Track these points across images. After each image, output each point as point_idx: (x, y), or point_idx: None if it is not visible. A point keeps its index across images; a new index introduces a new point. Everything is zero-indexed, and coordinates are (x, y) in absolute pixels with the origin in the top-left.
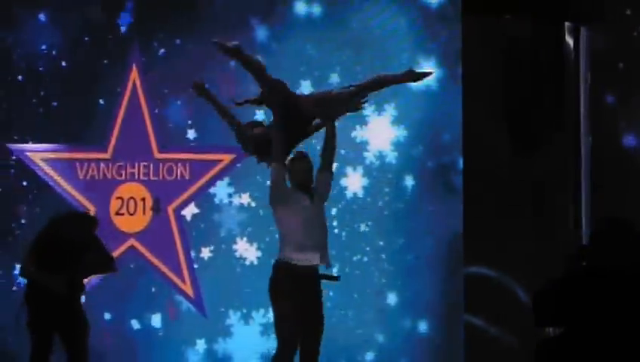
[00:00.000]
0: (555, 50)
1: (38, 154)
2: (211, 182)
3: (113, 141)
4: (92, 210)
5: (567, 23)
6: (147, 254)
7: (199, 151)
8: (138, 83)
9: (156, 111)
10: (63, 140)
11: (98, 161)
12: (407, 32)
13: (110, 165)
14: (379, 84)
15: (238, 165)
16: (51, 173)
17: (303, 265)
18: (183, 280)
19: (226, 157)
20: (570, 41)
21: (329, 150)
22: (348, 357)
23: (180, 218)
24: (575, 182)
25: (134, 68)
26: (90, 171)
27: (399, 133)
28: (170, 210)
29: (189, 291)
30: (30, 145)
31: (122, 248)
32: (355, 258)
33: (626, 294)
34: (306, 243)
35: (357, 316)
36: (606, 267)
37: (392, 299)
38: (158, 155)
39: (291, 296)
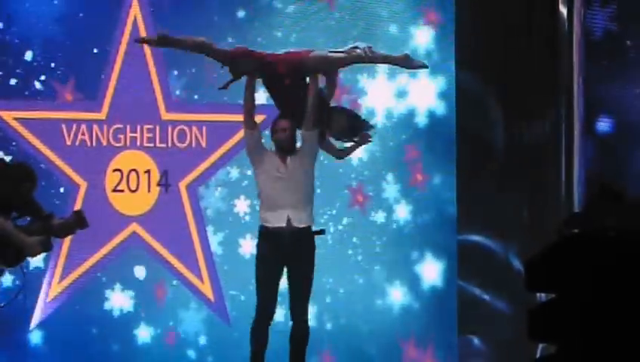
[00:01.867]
0: (548, 21)
1: (10, 112)
2: (233, 151)
3: (109, 97)
4: (83, 185)
5: None
6: (153, 243)
7: (218, 111)
8: (140, 20)
9: (163, 58)
10: (44, 95)
11: (90, 122)
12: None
13: (105, 128)
14: (371, 59)
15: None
16: (29, 137)
17: (274, 226)
18: (201, 279)
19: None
20: (563, 10)
21: (311, 106)
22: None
23: (195, 197)
24: (567, 153)
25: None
26: (80, 135)
27: (395, 102)
28: (182, 186)
29: (209, 293)
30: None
31: (121, 235)
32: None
33: (616, 260)
34: (276, 205)
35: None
36: (597, 233)
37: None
38: (166, 116)
39: (264, 259)
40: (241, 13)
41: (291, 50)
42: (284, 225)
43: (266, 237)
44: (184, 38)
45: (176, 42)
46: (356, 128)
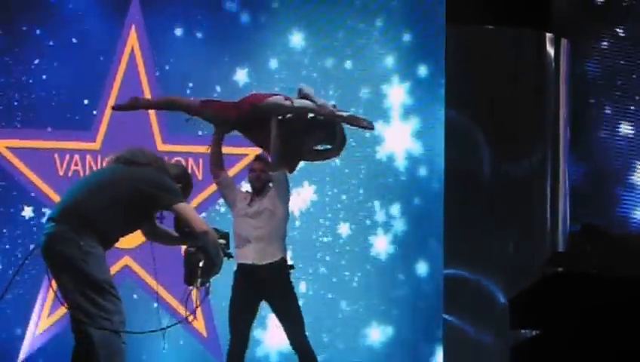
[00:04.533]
0: (536, 60)
1: (3, 141)
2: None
3: (103, 127)
4: None
5: (548, 34)
6: (145, 277)
7: None
8: (137, 49)
9: (160, 90)
10: (38, 124)
11: (84, 152)
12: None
13: (99, 158)
14: (321, 113)
15: None
16: (20, 166)
17: (243, 262)
18: (194, 314)
19: (252, 152)
20: (551, 51)
21: (274, 148)
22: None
23: None
24: (553, 189)
25: (133, 30)
26: (73, 165)
27: (384, 135)
28: None
29: (202, 328)
30: None
31: (113, 268)
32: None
33: (599, 298)
34: (241, 241)
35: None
36: (580, 272)
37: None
38: (162, 147)
39: (237, 293)
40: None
41: (253, 94)
42: (250, 261)
43: (240, 272)
44: (154, 100)
45: (148, 103)
46: (333, 133)
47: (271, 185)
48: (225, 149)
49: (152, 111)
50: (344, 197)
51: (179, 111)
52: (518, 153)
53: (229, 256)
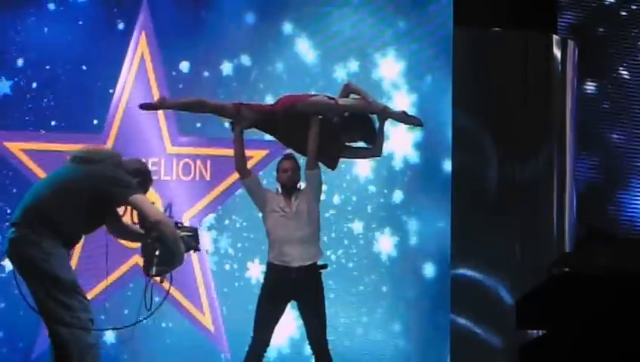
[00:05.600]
0: (543, 62)
1: (17, 144)
2: (237, 185)
3: (114, 129)
4: None
5: (555, 36)
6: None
7: (223, 146)
8: (147, 54)
9: (170, 93)
10: (51, 126)
11: None
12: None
13: None
14: (370, 109)
15: (272, 164)
16: (35, 168)
17: (282, 266)
18: (202, 310)
19: (258, 154)
20: (557, 53)
21: (311, 148)
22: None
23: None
24: (560, 190)
25: (143, 35)
26: None
27: (391, 136)
28: (185, 219)
29: (209, 324)
30: (8, 133)
31: (124, 267)
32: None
33: (605, 299)
34: (284, 244)
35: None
36: (586, 273)
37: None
38: (171, 149)
39: (269, 293)
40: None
41: (286, 96)
42: (293, 264)
43: (274, 272)
44: (183, 100)
45: (175, 104)
46: (372, 132)
47: (302, 184)
48: (228, 151)
49: (161, 114)
50: (354, 198)
51: (210, 114)
52: (526, 154)
53: (195, 248)
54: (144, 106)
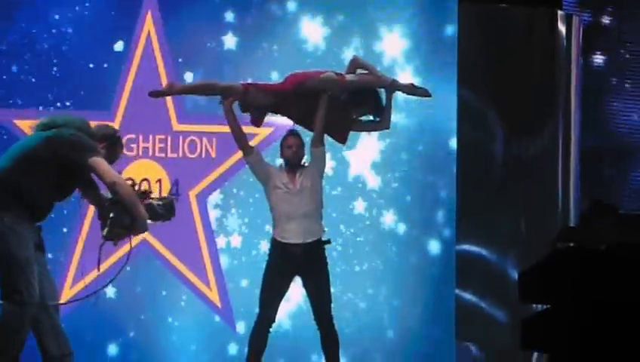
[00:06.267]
0: (548, 38)
1: (27, 121)
2: (242, 163)
3: (122, 107)
4: None
5: (560, 11)
6: (163, 251)
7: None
8: (153, 34)
9: (175, 71)
10: (59, 104)
11: None
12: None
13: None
14: (379, 83)
15: (276, 142)
16: None
17: (287, 241)
18: (208, 286)
19: (263, 131)
20: (562, 28)
21: (319, 125)
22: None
23: (204, 206)
24: (564, 166)
25: (149, 15)
26: None
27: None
28: (191, 195)
29: (216, 299)
30: (17, 110)
31: (132, 242)
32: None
33: (608, 273)
34: (288, 220)
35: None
36: (590, 247)
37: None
38: (177, 127)
39: (274, 268)
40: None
41: (293, 74)
42: (297, 240)
43: (279, 249)
44: (192, 84)
45: (184, 88)
46: (379, 105)
47: (306, 160)
48: (228, 128)
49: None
50: (361, 175)
51: (219, 96)
52: (530, 130)
53: (166, 218)
54: (153, 93)
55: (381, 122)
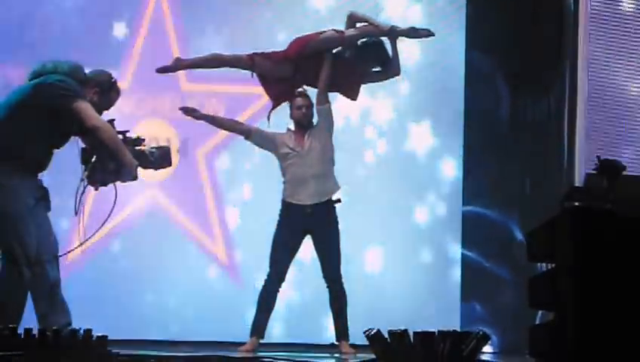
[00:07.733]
0: (556, 2)
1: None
2: (250, 122)
3: (132, 67)
4: None
5: None
6: (171, 208)
7: (236, 83)
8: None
9: (184, 31)
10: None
11: None
12: None
13: (128, 97)
14: (380, 32)
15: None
16: None
17: (296, 204)
18: (214, 241)
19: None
20: None
21: (323, 83)
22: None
23: (212, 165)
24: (570, 126)
25: None
26: None
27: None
28: (199, 155)
29: (222, 255)
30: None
31: (141, 199)
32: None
33: (614, 232)
34: (299, 181)
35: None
36: (596, 206)
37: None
38: (186, 86)
39: (285, 227)
40: None
41: (296, 40)
42: (308, 202)
43: (289, 210)
44: (198, 57)
45: (192, 63)
46: (385, 53)
47: (315, 120)
48: (242, 89)
49: (176, 51)
50: (369, 139)
51: (226, 67)
52: (537, 93)
53: (155, 164)
54: (161, 70)
55: (391, 69)
